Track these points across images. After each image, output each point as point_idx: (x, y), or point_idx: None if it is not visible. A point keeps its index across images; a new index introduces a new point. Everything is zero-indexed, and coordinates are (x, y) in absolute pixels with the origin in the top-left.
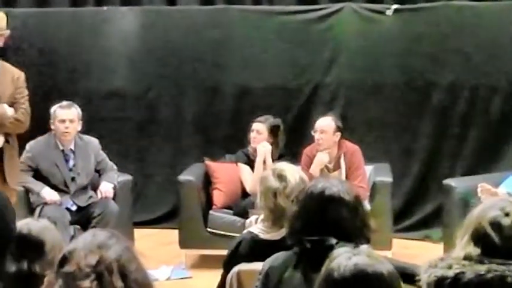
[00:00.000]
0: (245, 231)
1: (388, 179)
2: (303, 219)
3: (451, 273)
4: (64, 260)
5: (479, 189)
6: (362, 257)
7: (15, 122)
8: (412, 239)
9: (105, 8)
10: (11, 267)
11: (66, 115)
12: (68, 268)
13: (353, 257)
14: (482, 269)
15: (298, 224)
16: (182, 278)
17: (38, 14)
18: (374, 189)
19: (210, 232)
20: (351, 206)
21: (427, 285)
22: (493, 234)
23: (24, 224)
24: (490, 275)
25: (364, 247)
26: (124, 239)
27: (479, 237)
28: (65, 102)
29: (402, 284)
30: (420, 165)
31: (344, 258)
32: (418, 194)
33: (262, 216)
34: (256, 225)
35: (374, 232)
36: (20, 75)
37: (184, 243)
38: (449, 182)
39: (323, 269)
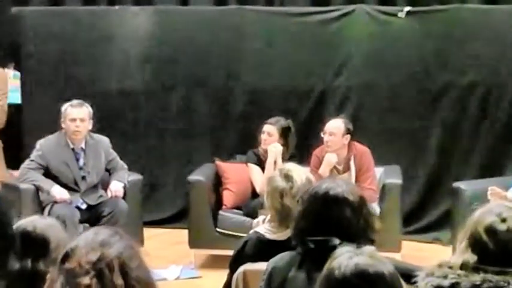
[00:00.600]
0: (252, 231)
1: (398, 181)
2: (307, 219)
3: (446, 283)
4: (66, 257)
5: (489, 192)
6: (363, 257)
7: None
8: (422, 241)
9: (116, 7)
10: (15, 265)
11: (77, 114)
12: (69, 265)
13: (354, 257)
14: (477, 279)
15: (303, 224)
16: (191, 278)
17: (49, 12)
18: (384, 191)
19: (219, 232)
20: (355, 206)
21: None
22: (488, 241)
23: (29, 222)
24: (484, 286)
25: (366, 248)
26: (127, 237)
27: (475, 244)
28: (75, 101)
29: (404, 285)
30: (431, 168)
31: (345, 257)
32: (429, 196)
33: (268, 217)
34: (263, 226)
35: (378, 233)
36: None
37: (193, 243)
38: (458, 184)
39: (325, 268)
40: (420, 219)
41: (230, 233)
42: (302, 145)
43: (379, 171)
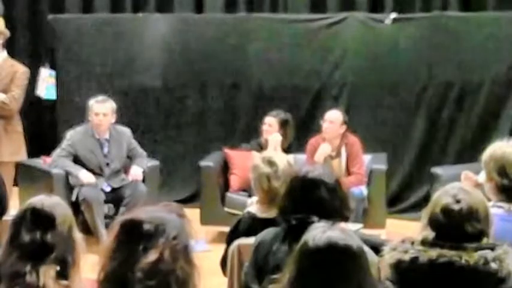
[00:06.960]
0: (245, 211)
1: (384, 166)
2: (289, 199)
3: (407, 257)
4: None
5: (462, 177)
6: (336, 231)
7: (1, 105)
8: (404, 220)
9: (140, 14)
10: (26, 237)
11: (100, 109)
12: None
13: (328, 231)
14: (433, 254)
15: (286, 203)
16: (202, 251)
17: (81, 19)
18: (371, 175)
19: (227, 211)
20: (331, 188)
21: (388, 265)
22: (444, 220)
23: (38, 200)
24: (440, 260)
25: (339, 224)
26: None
27: (433, 222)
28: (101, 97)
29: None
30: (413, 155)
31: (319, 231)
32: (411, 180)
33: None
34: (255, 205)
35: (351, 212)
36: (19, 69)
37: (204, 221)
38: (436, 170)
39: (301, 240)
40: (403, 200)
41: (236, 212)
42: (300, 136)
43: (367, 158)
